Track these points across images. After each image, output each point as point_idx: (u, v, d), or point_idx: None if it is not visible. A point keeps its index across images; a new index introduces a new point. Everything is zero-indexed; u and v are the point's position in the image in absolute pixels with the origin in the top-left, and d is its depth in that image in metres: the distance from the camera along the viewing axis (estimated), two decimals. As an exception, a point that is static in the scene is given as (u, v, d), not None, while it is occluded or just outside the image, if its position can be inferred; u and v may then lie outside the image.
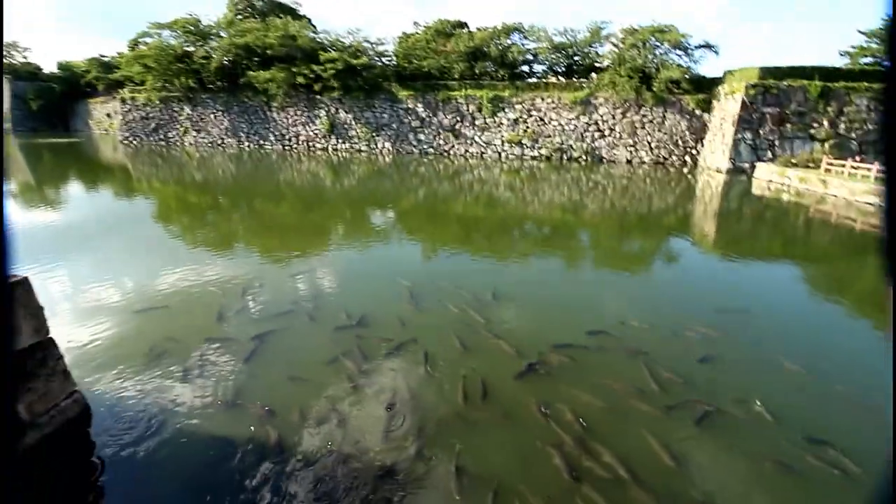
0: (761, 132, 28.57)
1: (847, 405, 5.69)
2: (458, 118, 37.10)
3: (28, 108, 62.54)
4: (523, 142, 35.99)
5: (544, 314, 8.26)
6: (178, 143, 44.66)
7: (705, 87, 32.68)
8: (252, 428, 5.02)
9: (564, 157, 35.23)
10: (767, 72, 28.60)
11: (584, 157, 34.78)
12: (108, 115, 58.57)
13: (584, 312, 8.42)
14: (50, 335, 4.76)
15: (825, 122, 27.70)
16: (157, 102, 44.58)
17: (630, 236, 15.44)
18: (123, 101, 46.57)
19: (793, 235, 15.57)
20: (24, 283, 4.40)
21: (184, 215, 17.64)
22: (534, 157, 35.68)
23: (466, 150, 37.30)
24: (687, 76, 31.94)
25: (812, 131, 27.89)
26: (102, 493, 4.33)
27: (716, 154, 30.72)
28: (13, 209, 17.56)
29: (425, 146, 38.14)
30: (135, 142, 45.92)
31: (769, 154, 28.48)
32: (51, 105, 63.77)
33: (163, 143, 45.28)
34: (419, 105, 37.70)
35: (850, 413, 5.58)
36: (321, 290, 9.23)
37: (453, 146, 37.56)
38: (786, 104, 28.11)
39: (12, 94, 61.76)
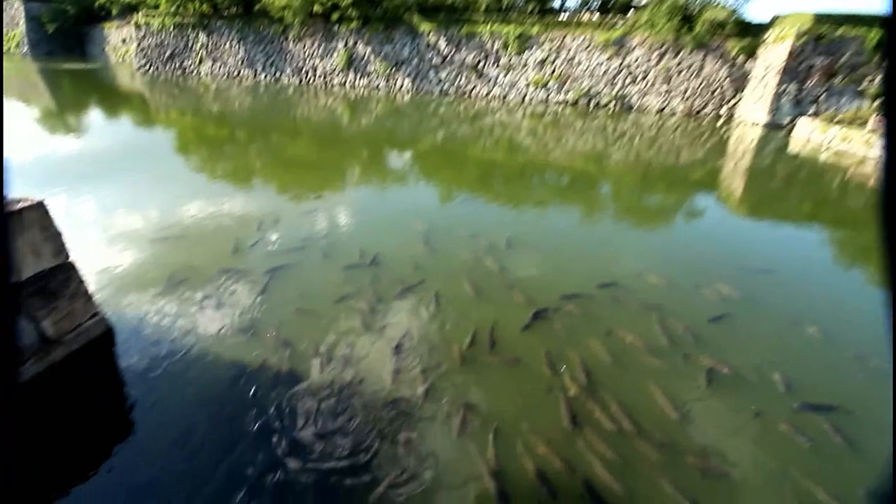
0: (807, 85, 26.55)
1: (862, 373, 5.62)
2: (482, 56, 35.16)
3: (44, 31, 61.18)
4: (549, 85, 34.18)
5: (559, 263, 8.17)
6: (194, 73, 43.64)
7: (751, 33, 30.04)
8: (267, 356, 5.21)
9: (591, 103, 33.51)
10: (822, 18, 26.03)
11: (612, 104, 33.04)
12: (124, 41, 57.06)
13: (600, 264, 8.29)
14: (70, 258, 4.88)
15: (878, 77, 25.53)
16: (172, 28, 43.08)
17: (653, 190, 14.92)
18: (138, 26, 45.11)
19: (825, 198, 14.86)
20: (40, 206, 4.44)
21: (201, 147, 17.54)
22: (559, 102, 34.04)
23: (489, 92, 35.69)
24: (733, 18, 29.32)
25: (862, 87, 25.80)
26: (127, 405, 4.60)
27: (755, 107, 28.85)
28: (37, 134, 17.65)
29: (446, 85, 36.56)
30: (151, 70, 44.99)
31: (812, 109, 26.62)
32: (66, 29, 62.18)
33: (179, 72, 44.28)
34: (441, 40, 35.70)
35: (863, 381, 5.51)
36: (336, 227, 9.23)
37: (475, 87, 35.92)
38: (838, 55, 25.82)
39: (27, 17, 60.24)
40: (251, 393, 4.65)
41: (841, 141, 22.20)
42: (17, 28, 62.06)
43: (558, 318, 6.26)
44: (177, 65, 44.43)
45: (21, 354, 4.05)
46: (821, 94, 26.44)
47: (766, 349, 5.85)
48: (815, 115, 26.25)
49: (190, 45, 43.48)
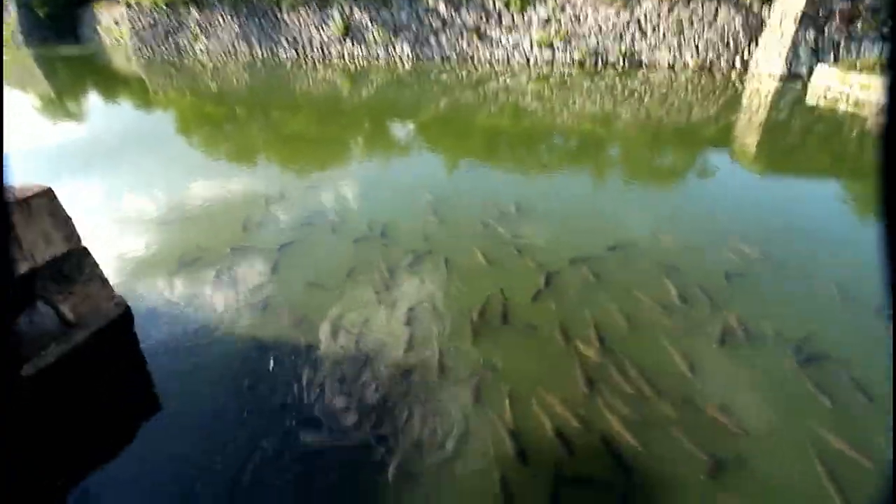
0: (826, 31, 25.22)
1: (880, 329, 5.53)
2: (484, 16, 33.89)
3: (35, 16, 60.08)
4: (554, 44, 32.97)
5: (570, 228, 8.05)
6: (189, 52, 42.86)
7: (769, -24, 28.39)
8: (281, 330, 5.27)
9: (599, 61, 32.36)
10: (846, -47, 24.46)
11: (621, 62, 31.88)
12: (116, 22, 55.97)
13: (612, 226, 8.16)
14: (82, 243, 4.91)
15: (904, 18, 24.07)
16: (164, 6, 42.04)
17: (665, 149, 14.53)
18: (129, 5, 44.08)
19: (843, 151, 14.35)
20: (49, 193, 4.43)
21: (203, 128, 17.39)
22: (565, 62, 32.93)
23: (491, 55, 34.59)
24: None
25: (886, 30, 24.38)
26: (150, 383, 4.73)
27: (771, 57, 27.63)
28: (40, 123, 17.62)
29: (447, 50, 35.47)
30: (147, 52, 44.26)
31: (832, 57, 25.39)
32: (58, 12, 61.02)
33: (174, 51, 43.51)
34: (440, 2, 34.40)
35: (880, 336, 5.43)
36: (342, 201, 9.17)
37: (477, 50, 34.82)
38: (861, -3, 24.36)
39: (19, 3, 59.09)
40: (268, 367, 4.74)
41: (861, 90, 21.25)
42: (10, 15, 61.05)
43: (571, 282, 6.22)
44: (172, 44, 43.60)
45: (21, 348, 4.10)
46: (841, 41, 25.13)
47: (783, 306, 5.78)
48: (835, 63, 25.06)
49: (183, 22, 42.50)
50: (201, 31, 42.04)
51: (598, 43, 32.07)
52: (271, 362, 4.80)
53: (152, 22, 43.46)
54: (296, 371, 4.68)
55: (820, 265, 6.85)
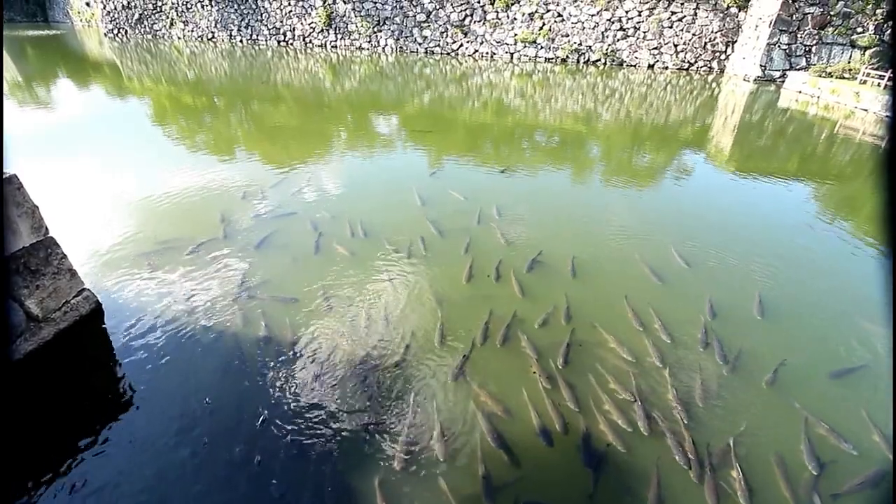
0: (799, 36, 26.00)
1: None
2: (468, 12, 33.77)
3: (0, -7, 57.21)
4: (538, 41, 33.11)
5: (551, 232, 8.15)
6: (165, 37, 41.53)
7: (746, -20, 29.03)
8: (257, 324, 5.22)
9: (581, 59, 32.65)
10: (818, -38, 25.21)
11: (602, 61, 32.23)
12: (88, 4, 53.79)
13: (593, 230, 8.32)
14: (50, 234, 4.76)
15: (871, 27, 25.03)
16: (138, -12, 40.56)
17: (642, 151, 14.79)
18: (101, -15, 42.38)
19: (811, 153, 14.84)
20: (14, 180, 4.28)
21: (180, 117, 16.91)
22: (548, 60, 33.10)
23: (475, 50, 34.53)
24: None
25: (855, 37, 25.33)
26: (123, 380, 4.62)
27: (746, 60, 28.33)
28: (7, 109, 16.84)
29: (431, 44, 35.26)
30: (120, 35, 42.70)
31: (804, 62, 26.21)
32: (25, -10, 58.35)
33: (149, 35, 42.08)
34: (425, -4, 34.10)
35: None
36: (322, 195, 9.08)
37: (461, 45, 34.70)
38: (832, 4, 25.20)
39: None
40: (245, 362, 4.69)
41: (830, 94, 22.02)
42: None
43: (553, 295, 6.32)
44: (147, 28, 42.15)
45: (9, 335, 3.99)
46: (812, 46, 25.96)
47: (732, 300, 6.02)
48: (806, 67, 25.89)
49: (159, 6, 41.11)
50: (178, 15, 40.73)
51: (580, 41, 32.34)
52: (247, 357, 4.75)
53: (126, 3, 41.88)
54: (269, 367, 4.64)
55: (763, 262, 7.12)
